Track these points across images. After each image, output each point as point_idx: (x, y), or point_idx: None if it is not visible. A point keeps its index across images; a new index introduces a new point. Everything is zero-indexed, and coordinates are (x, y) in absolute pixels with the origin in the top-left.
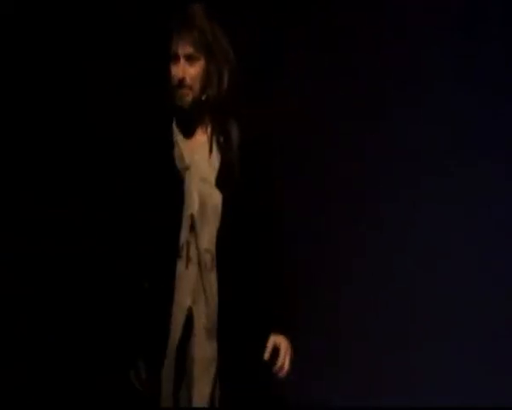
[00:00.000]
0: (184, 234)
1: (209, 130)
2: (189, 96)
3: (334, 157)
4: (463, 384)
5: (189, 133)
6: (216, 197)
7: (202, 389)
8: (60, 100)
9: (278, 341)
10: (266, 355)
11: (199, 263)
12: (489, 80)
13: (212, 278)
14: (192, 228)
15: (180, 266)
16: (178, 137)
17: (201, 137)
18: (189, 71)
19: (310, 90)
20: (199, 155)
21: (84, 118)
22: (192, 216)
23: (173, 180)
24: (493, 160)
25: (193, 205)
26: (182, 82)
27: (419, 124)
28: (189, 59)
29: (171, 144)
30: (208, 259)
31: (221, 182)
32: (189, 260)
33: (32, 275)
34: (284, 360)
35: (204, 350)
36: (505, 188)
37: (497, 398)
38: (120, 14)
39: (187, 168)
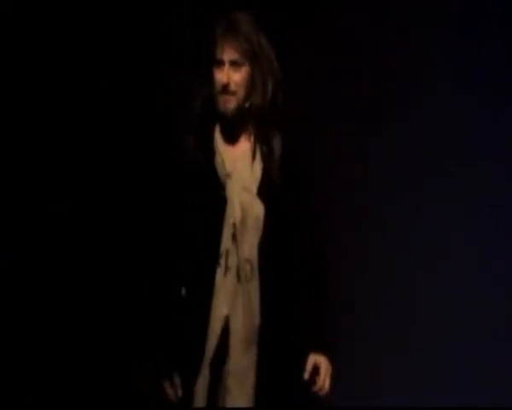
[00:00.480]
0: (225, 242)
1: (252, 138)
2: (232, 103)
3: (336, 159)
4: (463, 384)
5: (231, 141)
6: (257, 207)
7: (236, 400)
8: (82, 99)
9: (319, 360)
10: (306, 375)
11: (237, 273)
12: (489, 80)
13: (252, 289)
14: (234, 237)
15: (219, 274)
16: (220, 144)
17: (244, 145)
18: (233, 77)
19: (312, 92)
20: (241, 164)
21: (121, 120)
22: (234, 225)
23: (214, 187)
24: (493, 160)
25: (235, 214)
26: (226, 87)
27: (420, 125)
28: (234, 65)
29: (212, 151)
30: (248, 269)
31: (263, 192)
32: (227, 269)
33: (32, 276)
34: (324, 381)
35: (239, 362)
36: (505, 188)
37: (497, 398)
38: (165, 22)
39: (228, 176)
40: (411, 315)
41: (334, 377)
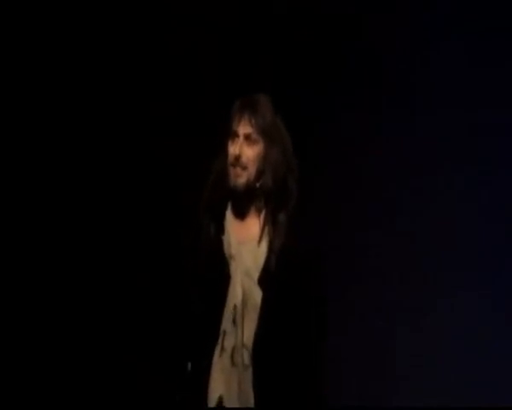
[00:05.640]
0: (225, 324)
1: (262, 220)
2: (242, 178)
3: (336, 160)
4: (463, 384)
5: (241, 218)
6: (257, 295)
7: None
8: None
9: None
10: None
11: (232, 356)
12: (489, 80)
13: (247, 376)
14: (234, 320)
15: (216, 354)
16: (229, 221)
17: (253, 227)
18: (246, 151)
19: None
20: (245, 248)
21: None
22: (235, 307)
23: (219, 267)
24: (493, 160)
25: (236, 297)
26: (237, 160)
27: (420, 126)
28: (248, 139)
29: (222, 228)
30: (246, 354)
31: (264, 279)
32: (222, 349)
33: (33, 279)
34: None
35: None
36: (505, 188)
37: (497, 398)
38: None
39: (232, 258)
40: (411, 315)
41: (335, 378)
